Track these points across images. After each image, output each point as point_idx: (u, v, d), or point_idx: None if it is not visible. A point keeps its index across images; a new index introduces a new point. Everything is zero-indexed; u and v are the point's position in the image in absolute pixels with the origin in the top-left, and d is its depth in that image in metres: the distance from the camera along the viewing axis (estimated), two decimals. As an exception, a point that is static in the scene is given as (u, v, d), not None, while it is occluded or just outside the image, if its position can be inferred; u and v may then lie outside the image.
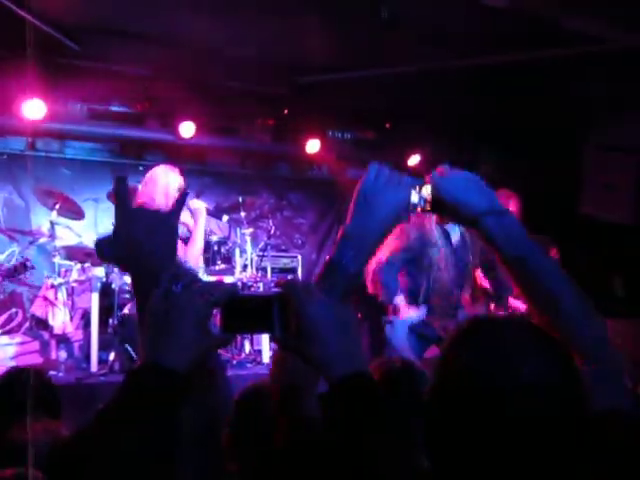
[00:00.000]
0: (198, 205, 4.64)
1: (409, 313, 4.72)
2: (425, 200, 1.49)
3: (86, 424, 1.07)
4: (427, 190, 1.49)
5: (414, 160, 8.36)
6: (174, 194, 4.44)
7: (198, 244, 4.62)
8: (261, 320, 1.18)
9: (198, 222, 4.62)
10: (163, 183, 4.45)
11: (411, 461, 1.10)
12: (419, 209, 1.49)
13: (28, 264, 4.74)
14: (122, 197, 1.20)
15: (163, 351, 1.12)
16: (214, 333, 1.17)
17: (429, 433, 1.12)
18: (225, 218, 5.41)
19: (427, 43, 6.31)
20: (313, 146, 7.95)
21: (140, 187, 4.62)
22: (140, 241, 1.50)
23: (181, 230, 4.72)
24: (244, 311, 1.19)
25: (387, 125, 8.63)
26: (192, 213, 4.64)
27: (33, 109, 6.64)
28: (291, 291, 1.18)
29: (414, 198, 1.48)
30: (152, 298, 1.15)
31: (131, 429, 1.04)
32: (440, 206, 1.49)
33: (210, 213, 4.80)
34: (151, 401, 1.07)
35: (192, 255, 4.55)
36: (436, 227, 4.90)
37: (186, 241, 4.74)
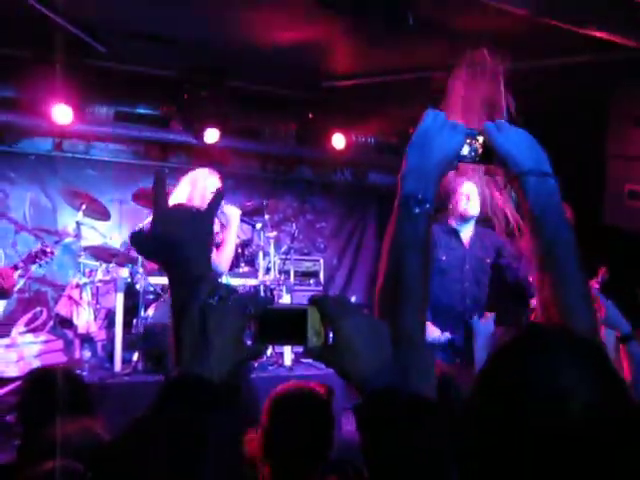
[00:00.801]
0: (231, 211, 4.64)
1: (434, 332, 4.58)
2: (475, 151, 1.51)
3: (123, 430, 1.09)
4: (479, 142, 1.52)
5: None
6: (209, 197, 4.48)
7: (229, 249, 4.63)
8: (295, 332, 1.19)
9: (231, 228, 4.61)
10: (201, 186, 4.48)
11: (443, 477, 1.10)
12: (468, 160, 1.52)
13: (47, 249, 4.80)
14: (159, 194, 1.22)
15: (200, 362, 1.13)
16: (248, 345, 1.19)
17: (464, 451, 1.11)
18: (259, 225, 5.41)
19: (453, 48, 6.31)
20: (339, 141, 7.96)
21: (178, 188, 4.67)
22: (175, 240, 1.48)
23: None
24: (278, 323, 1.21)
25: (410, 130, 8.62)
26: (225, 218, 4.65)
27: (61, 113, 6.72)
28: (325, 304, 1.19)
29: (464, 150, 1.51)
30: (189, 309, 1.16)
31: (166, 438, 1.07)
32: (489, 157, 1.53)
33: (242, 219, 4.80)
34: (187, 411, 1.09)
35: (223, 260, 4.57)
36: (442, 228, 4.83)
37: (216, 245, 4.75)
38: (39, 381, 2.44)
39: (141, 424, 1.10)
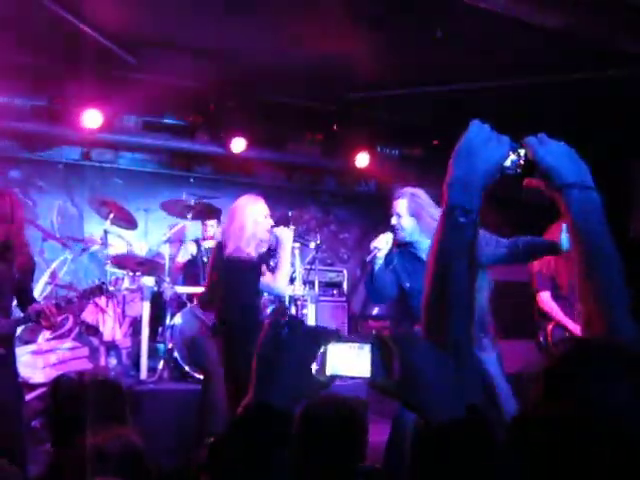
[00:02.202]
0: (283, 232, 4.63)
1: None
2: (518, 164, 1.52)
3: (198, 455, 1.17)
4: (521, 155, 1.53)
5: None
6: (263, 222, 4.51)
7: (286, 270, 4.62)
8: (360, 366, 1.22)
9: (285, 249, 4.60)
10: (250, 214, 4.51)
11: None
12: (510, 172, 1.53)
13: (104, 287, 4.82)
14: (217, 256, 1.29)
15: (272, 392, 1.19)
16: (317, 377, 1.24)
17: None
18: (312, 244, 5.42)
19: (476, 61, 6.34)
20: (363, 160, 7.99)
21: (227, 220, 4.71)
22: (232, 290, 1.53)
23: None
24: (344, 356, 1.24)
25: (435, 142, 8.64)
26: (277, 239, 4.63)
27: (91, 120, 6.81)
28: (392, 339, 1.22)
29: (507, 162, 1.52)
30: (261, 340, 1.22)
31: (241, 464, 1.12)
32: (532, 170, 1.54)
33: (296, 239, 4.79)
34: (260, 438, 1.14)
35: (281, 282, 4.56)
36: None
37: (271, 270, 4.70)
38: (73, 389, 2.46)
39: (215, 450, 1.16)
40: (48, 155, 7.79)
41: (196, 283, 6.53)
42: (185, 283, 6.71)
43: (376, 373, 1.20)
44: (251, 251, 4.32)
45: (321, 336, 1.24)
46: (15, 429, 4.13)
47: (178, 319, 6.05)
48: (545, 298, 5.62)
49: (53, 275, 7.33)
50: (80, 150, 7.92)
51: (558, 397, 1.12)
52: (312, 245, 5.32)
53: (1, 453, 3.99)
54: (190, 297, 6.26)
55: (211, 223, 7.29)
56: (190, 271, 6.94)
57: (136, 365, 6.42)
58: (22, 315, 4.38)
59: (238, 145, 7.45)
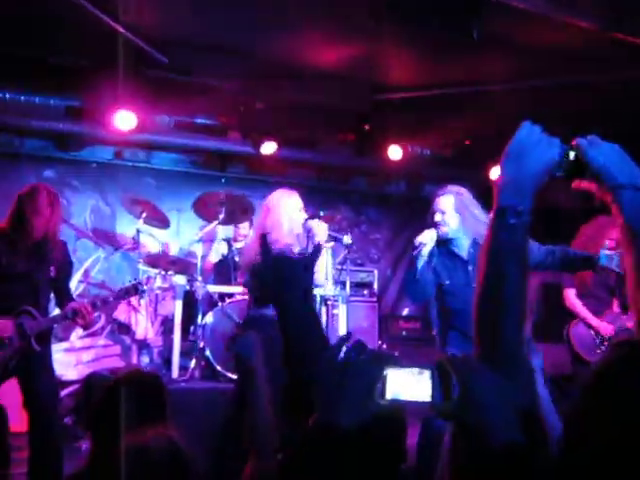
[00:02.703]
0: (318, 225, 4.62)
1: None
2: (568, 166, 1.52)
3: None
4: (570, 157, 1.52)
5: (495, 172, 8.29)
6: (298, 217, 4.50)
7: (322, 263, 4.66)
8: (420, 390, 1.25)
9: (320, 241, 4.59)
10: (285, 208, 4.51)
11: None
12: (559, 174, 1.52)
13: (139, 287, 4.85)
14: (267, 248, 1.31)
15: (337, 412, 1.22)
16: (378, 400, 1.26)
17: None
18: (346, 239, 5.38)
19: (510, 62, 6.30)
20: (395, 153, 7.96)
21: (261, 216, 4.72)
22: (283, 288, 1.53)
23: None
24: (404, 381, 1.26)
25: (466, 142, 8.60)
26: (309, 233, 4.61)
27: (124, 120, 6.86)
28: (452, 364, 1.24)
29: (556, 163, 1.51)
30: (326, 362, 1.28)
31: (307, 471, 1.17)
32: (582, 172, 1.52)
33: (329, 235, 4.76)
34: (325, 456, 1.19)
35: (316, 275, 4.62)
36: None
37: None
38: (114, 387, 2.46)
39: (286, 462, 1.23)
40: (82, 155, 7.85)
41: (227, 282, 6.55)
42: (216, 282, 6.73)
43: (436, 397, 1.23)
44: (292, 244, 4.35)
45: (384, 360, 1.27)
46: (51, 425, 4.17)
47: (210, 318, 6.07)
48: (569, 295, 5.60)
49: (86, 273, 7.40)
50: (113, 150, 7.98)
51: (611, 406, 1.11)
52: (346, 239, 5.28)
53: (38, 448, 4.06)
54: (222, 296, 6.28)
55: (243, 224, 7.31)
56: (221, 270, 6.96)
57: (167, 364, 6.45)
58: (59, 313, 4.43)
59: (269, 147, 7.47)
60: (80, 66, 6.74)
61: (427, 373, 1.24)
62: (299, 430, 1.22)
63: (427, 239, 4.20)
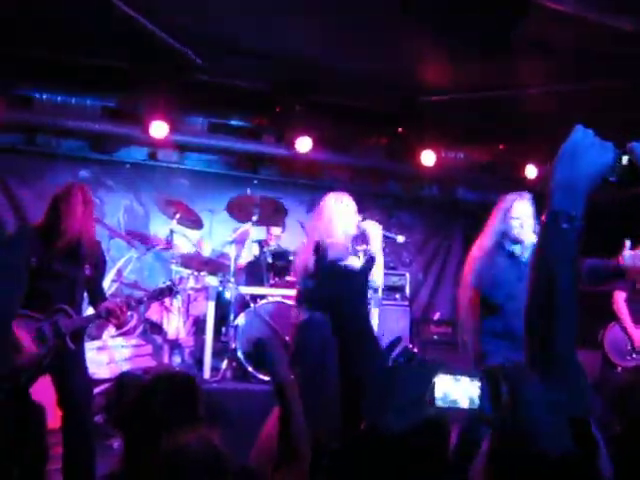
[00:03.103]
0: (371, 226, 4.61)
1: None
2: (621, 170, 1.49)
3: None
4: (623, 161, 1.49)
5: (532, 173, 8.22)
6: (352, 219, 4.51)
7: (379, 263, 4.66)
8: (468, 396, 1.24)
9: (374, 243, 4.58)
10: (339, 211, 4.53)
11: None
12: (612, 179, 1.49)
13: (174, 288, 4.88)
14: (322, 255, 1.31)
15: (386, 417, 1.23)
16: (427, 407, 1.25)
17: None
18: (400, 238, 5.35)
19: (548, 65, 6.24)
20: (428, 158, 7.91)
21: (315, 217, 4.73)
22: (333, 297, 1.52)
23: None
24: (452, 388, 1.26)
25: (500, 146, 8.54)
26: (365, 235, 4.60)
27: (157, 128, 6.89)
28: (503, 372, 1.23)
29: (610, 168, 1.49)
30: (373, 369, 1.30)
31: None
32: (635, 177, 1.49)
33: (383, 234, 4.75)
34: (372, 460, 1.20)
35: (378, 275, 4.64)
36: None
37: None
38: (153, 389, 2.47)
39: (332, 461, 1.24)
40: (116, 155, 7.92)
41: (259, 284, 6.56)
42: (248, 283, 6.74)
43: (485, 406, 1.23)
44: (347, 246, 4.35)
45: (433, 367, 1.26)
46: (85, 423, 4.21)
47: (242, 319, 6.08)
48: (618, 298, 5.56)
49: (118, 273, 7.45)
50: (147, 150, 8.03)
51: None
52: (400, 239, 5.24)
53: (71, 446, 4.10)
54: (254, 297, 6.28)
55: (276, 232, 7.33)
56: (253, 272, 6.97)
57: (198, 364, 6.48)
58: (94, 312, 4.46)
59: (304, 144, 7.43)
60: (116, 67, 6.80)
61: (476, 380, 1.24)
62: (349, 432, 1.22)
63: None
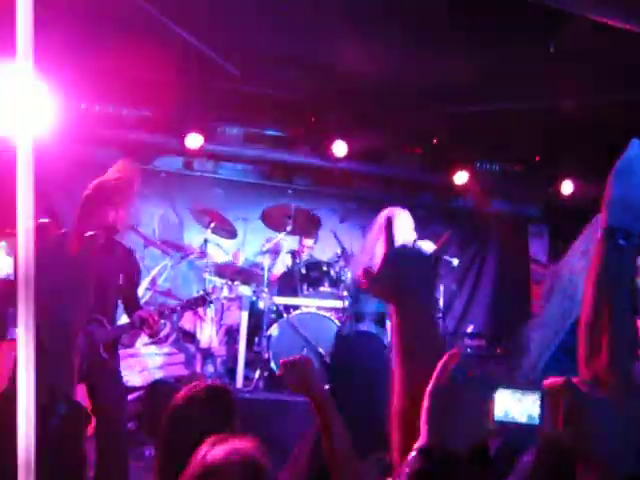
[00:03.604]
0: (427, 246, 4.59)
1: None
2: None
3: None
4: None
5: (567, 188, 8.12)
6: (409, 236, 4.48)
7: None
8: (529, 413, 1.21)
9: None
10: (397, 227, 4.51)
11: None
12: None
13: (208, 298, 4.88)
14: (389, 236, 1.25)
15: (449, 435, 1.19)
16: (490, 422, 1.23)
17: None
18: (455, 261, 5.33)
19: (585, 77, 6.17)
20: (461, 177, 7.86)
21: (373, 232, 4.73)
22: (404, 284, 1.47)
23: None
24: (513, 402, 1.23)
25: (536, 158, 8.45)
26: None
27: (192, 140, 6.92)
28: (567, 389, 1.20)
29: None
30: (436, 383, 1.23)
31: None
32: None
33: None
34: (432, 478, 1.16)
35: None
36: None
37: None
38: (186, 400, 2.45)
39: None
40: (152, 164, 7.96)
41: (293, 294, 6.55)
42: (280, 294, 6.74)
43: (546, 422, 1.19)
44: None
45: (494, 382, 1.23)
46: (118, 431, 4.21)
47: (275, 330, 6.07)
48: None
49: (153, 281, 7.49)
50: (182, 160, 8.07)
51: None
52: (454, 262, 5.22)
53: (105, 454, 4.10)
54: (287, 308, 6.28)
55: (308, 243, 7.33)
56: (286, 282, 6.97)
57: (230, 373, 6.49)
58: (127, 322, 4.47)
59: (340, 149, 7.39)
60: (153, 77, 6.85)
61: (536, 396, 1.20)
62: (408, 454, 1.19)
63: None
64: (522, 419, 1.20)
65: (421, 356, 1.37)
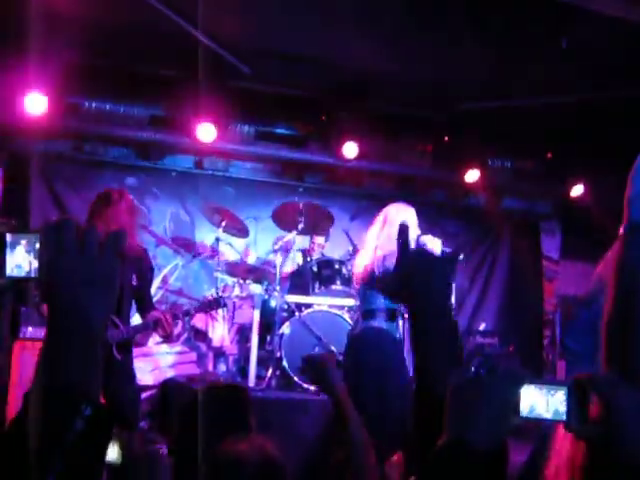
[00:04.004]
0: (432, 241, 4.57)
1: None
2: None
3: None
4: None
5: (577, 190, 8.09)
6: (412, 232, 4.46)
7: None
8: (555, 408, 1.19)
9: None
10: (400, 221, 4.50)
11: None
12: None
13: (221, 301, 4.89)
14: (404, 239, 1.24)
15: (470, 431, 1.17)
16: (514, 418, 1.21)
17: None
18: (460, 256, 5.31)
19: (596, 73, 6.14)
20: (472, 175, 7.81)
21: (375, 228, 4.72)
22: (417, 287, 1.45)
23: None
24: (539, 398, 1.21)
25: (548, 154, 8.40)
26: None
27: (205, 132, 6.89)
28: (595, 383, 1.18)
29: None
30: (456, 378, 1.22)
31: None
32: None
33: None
34: (455, 475, 1.14)
35: None
36: None
37: None
38: (206, 400, 2.45)
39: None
40: (162, 163, 7.94)
41: (305, 292, 6.53)
42: (291, 292, 6.73)
43: (573, 417, 1.17)
44: None
45: (517, 376, 1.21)
46: (132, 430, 4.21)
47: (287, 328, 6.06)
48: None
49: (164, 280, 7.51)
50: (193, 159, 8.05)
51: None
52: (460, 257, 5.19)
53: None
54: (299, 306, 6.27)
55: (319, 241, 7.31)
56: (297, 281, 6.96)
57: (242, 372, 6.48)
58: (141, 323, 4.47)
59: (350, 150, 7.33)
60: (164, 76, 6.85)
61: (563, 390, 1.18)
62: (430, 450, 1.17)
63: None
64: (548, 415, 1.18)
65: (438, 362, 1.37)
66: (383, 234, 4.54)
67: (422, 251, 1.51)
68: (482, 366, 1.20)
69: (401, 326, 4.91)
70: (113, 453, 2.52)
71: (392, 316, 4.71)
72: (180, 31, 5.78)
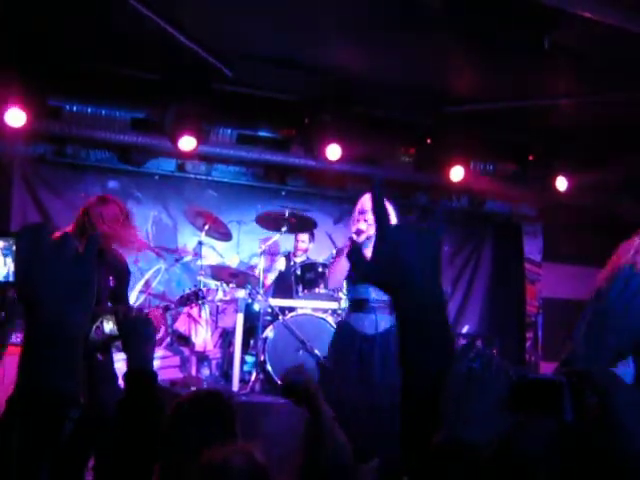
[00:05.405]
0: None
1: None
2: None
3: None
4: None
5: (560, 188, 8.07)
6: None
7: None
8: (550, 403, 1.18)
9: None
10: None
11: None
12: None
13: (200, 294, 4.87)
14: (381, 210, 1.11)
15: (464, 426, 1.16)
16: (509, 412, 1.20)
17: None
18: None
19: (582, 76, 6.17)
20: (457, 174, 7.79)
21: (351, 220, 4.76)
22: (401, 264, 1.40)
23: None
24: (533, 392, 1.19)
25: (530, 157, 8.43)
26: None
27: (186, 142, 6.83)
28: (592, 378, 1.17)
29: None
30: (451, 372, 1.20)
31: None
32: None
33: None
34: (452, 471, 1.13)
35: None
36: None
37: None
38: (194, 406, 2.43)
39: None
40: (145, 167, 7.90)
41: (288, 296, 6.52)
42: (276, 296, 6.71)
43: (569, 412, 1.16)
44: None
45: (511, 370, 1.20)
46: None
47: (270, 332, 6.05)
48: None
49: (147, 284, 7.46)
50: (175, 162, 8.02)
51: None
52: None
53: (103, 457, 4.06)
54: (282, 310, 6.25)
55: (303, 238, 7.29)
56: (281, 284, 6.95)
57: (226, 376, 6.45)
58: None
59: (333, 152, 7.26)
60: (146, 79, 6.81)
61: (558, 385, 1.17)
62: (423, 449, 1.16)
63: None
64: (543, 409, 1.17)
65: (427, 349, 1.28)
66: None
67: (405, 226, 1.39)
68: (475, 359, 1.19)
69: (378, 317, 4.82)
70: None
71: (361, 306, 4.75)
72: (163, 33, 5.75)
